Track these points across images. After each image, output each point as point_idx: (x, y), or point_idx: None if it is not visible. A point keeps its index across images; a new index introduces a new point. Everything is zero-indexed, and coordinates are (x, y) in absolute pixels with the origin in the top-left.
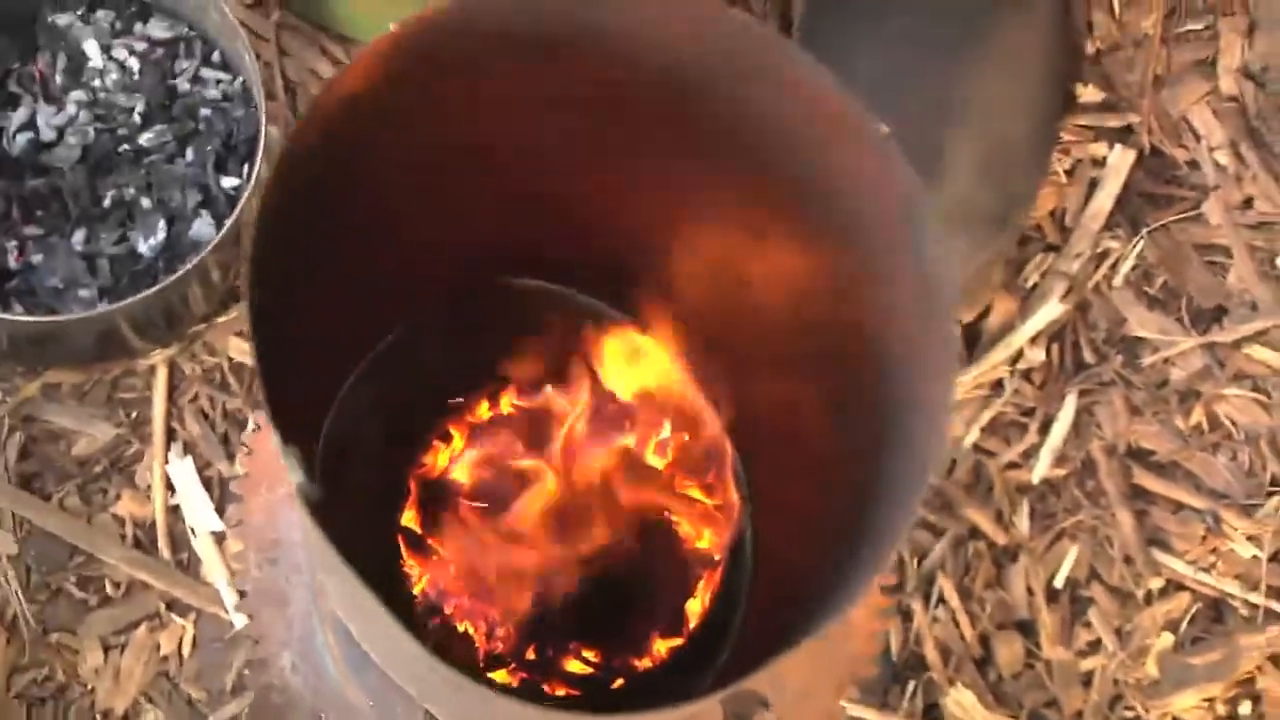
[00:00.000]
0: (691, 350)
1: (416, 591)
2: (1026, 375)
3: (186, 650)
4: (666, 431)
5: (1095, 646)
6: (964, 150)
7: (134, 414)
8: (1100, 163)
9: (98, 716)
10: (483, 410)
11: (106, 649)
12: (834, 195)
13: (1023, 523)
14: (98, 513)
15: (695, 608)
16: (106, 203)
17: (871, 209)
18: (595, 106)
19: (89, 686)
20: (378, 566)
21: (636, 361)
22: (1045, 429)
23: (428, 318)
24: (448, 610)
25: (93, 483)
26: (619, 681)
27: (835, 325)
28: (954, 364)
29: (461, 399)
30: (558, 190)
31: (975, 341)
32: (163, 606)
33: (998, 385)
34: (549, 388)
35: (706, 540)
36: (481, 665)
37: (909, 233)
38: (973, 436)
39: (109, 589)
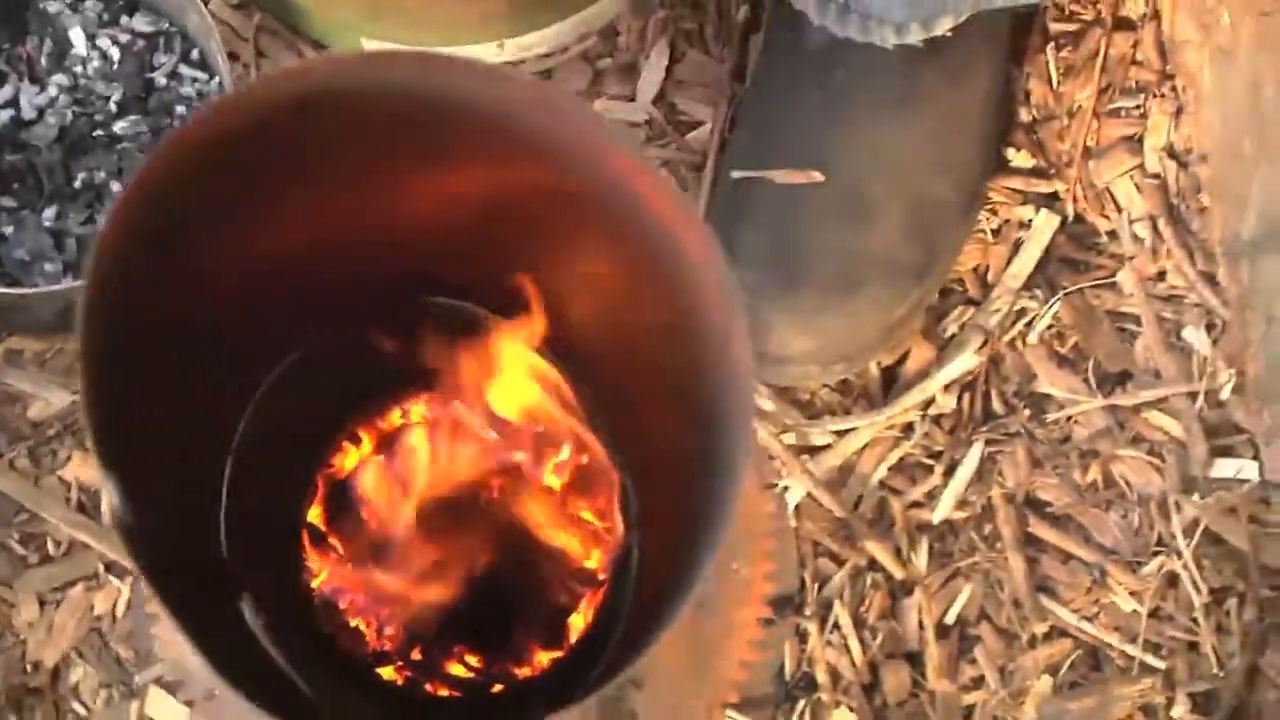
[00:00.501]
0: (585, 379)
1: (315, 586)
2: (937, 420)
3: (120, 611)
4: (565, 454)
5: (978, 683)
6: (893, 204)
7: None
8: (1026, 225)
9: (28, 666)
10: (394, 417)
11: (42, 604)
12: (679, 273)
13: (920, 559)
14: (46, 474)
15: (578, 622)
16: (78, 183)
17: (701, 291)
18: (471, 176)
19: (21, 638)
20: (285, 559)
21: (540, 385)
22: (950, 473)
23: (347, 326)
24: (343, 606)
25: (44, 445)
26: (499, 687)
27: (690, 372)
28: (749, 429)
29: (374, 404)
30: (443, 230)
31: (891, 384)
32: (101, 568)
33: (908, 428)
34: (458, 402)
35: (594, 559)
36: (370, 661)
37: (728, 321)
38: (880, 474)
39: (50, 547)
